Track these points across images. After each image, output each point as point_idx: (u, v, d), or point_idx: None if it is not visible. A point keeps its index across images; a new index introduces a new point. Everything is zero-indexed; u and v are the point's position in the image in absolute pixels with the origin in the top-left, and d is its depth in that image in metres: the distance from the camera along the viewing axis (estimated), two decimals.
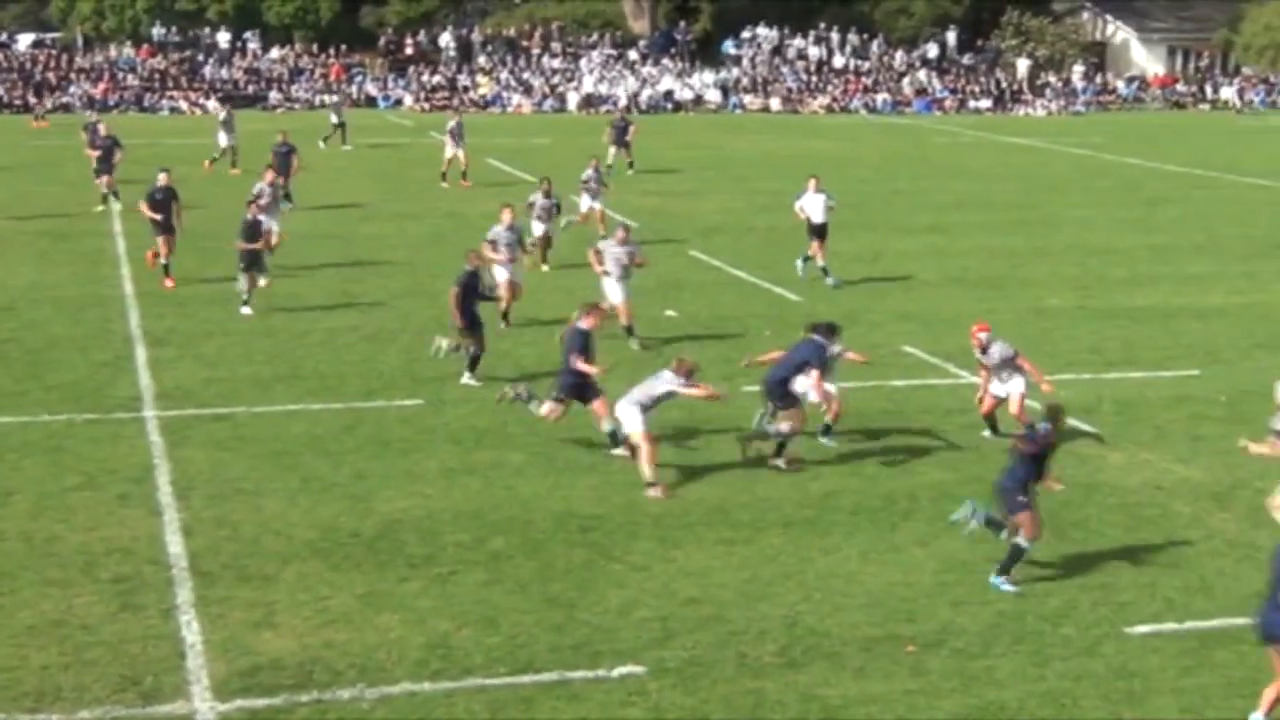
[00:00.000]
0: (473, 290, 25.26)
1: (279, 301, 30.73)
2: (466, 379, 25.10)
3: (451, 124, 51.95)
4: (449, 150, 51.20)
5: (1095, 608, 16.52)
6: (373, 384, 25.24)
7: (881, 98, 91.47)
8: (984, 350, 22.07)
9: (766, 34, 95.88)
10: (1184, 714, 14.28)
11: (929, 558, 17.92)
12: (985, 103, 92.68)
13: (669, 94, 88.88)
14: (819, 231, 33.69)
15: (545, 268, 34.67)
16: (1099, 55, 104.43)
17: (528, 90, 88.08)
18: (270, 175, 35.96)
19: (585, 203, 38.72)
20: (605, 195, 39.29)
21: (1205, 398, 24.97)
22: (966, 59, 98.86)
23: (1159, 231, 43.88)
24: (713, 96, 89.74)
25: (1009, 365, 21.92)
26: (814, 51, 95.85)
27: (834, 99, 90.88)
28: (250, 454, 21.35)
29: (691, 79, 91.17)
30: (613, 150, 54.91)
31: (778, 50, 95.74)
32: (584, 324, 21.57)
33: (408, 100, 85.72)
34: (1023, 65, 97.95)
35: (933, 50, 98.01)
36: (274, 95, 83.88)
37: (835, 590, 16.89)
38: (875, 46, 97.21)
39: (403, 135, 68.28)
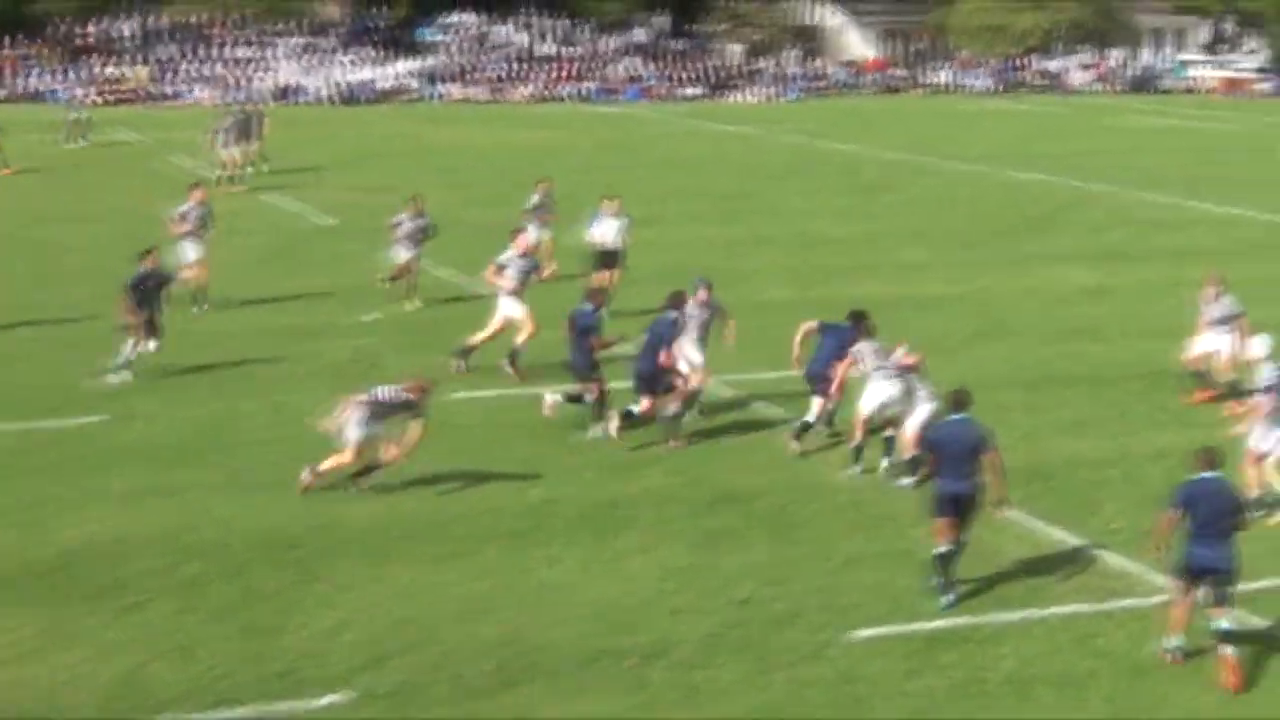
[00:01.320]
0: (587, 331, 22.49)
1: None
2: (595, 431, 22.13)
3: (228, 121, 49.09)
4: (223, 152, 48.32)
5: (820, 612, 16.27)
6: (51, 400, 23.62)
7: (590, 85, 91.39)
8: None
9: (468, 20, 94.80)
10: (910, 717, 14.17)
11: (650, 566, 17.52)
12: (696, 89, 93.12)
13: (367, 83, 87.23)
14: (610, 260, 31.28)
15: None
16: (812, 40, 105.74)
17: (211, 81, 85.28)
18: (199, 194, 31.06)
19: (534, 233, 32.00)
20: (555, 224, 34.29)
21: None
22: (677, 44, 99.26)
23: (877, 219, 44.33)
24: (412, 85, 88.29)
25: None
26: (518, 38, 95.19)
27: (540, 87, 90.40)
28: None
29: (389, 68, 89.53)
30: (225, 151, 49.07)
31: (480, 37, 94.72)
32: (672, 314, 21.87)
33: (82, 93, 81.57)
34: (735, 50, 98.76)
35: (642, 35, 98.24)
36: None
37: (554, 603, 16.43)
38: (582, 32, 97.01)
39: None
